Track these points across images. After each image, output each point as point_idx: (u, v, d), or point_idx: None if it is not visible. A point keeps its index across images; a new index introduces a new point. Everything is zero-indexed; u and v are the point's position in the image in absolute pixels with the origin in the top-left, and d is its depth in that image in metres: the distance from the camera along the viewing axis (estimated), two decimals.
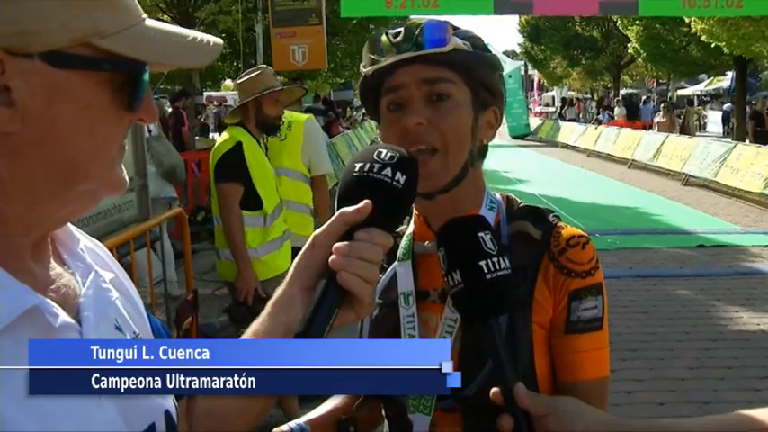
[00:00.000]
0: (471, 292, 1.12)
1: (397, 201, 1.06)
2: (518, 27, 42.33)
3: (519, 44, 47.26)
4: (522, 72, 39.12)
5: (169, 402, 0.96)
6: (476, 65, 1.27)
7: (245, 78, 4.24)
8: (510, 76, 33.28)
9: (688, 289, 7.40)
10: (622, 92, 37.07)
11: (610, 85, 41.02)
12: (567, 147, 25.91)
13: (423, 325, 1.29)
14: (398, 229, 1.41)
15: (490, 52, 1.31)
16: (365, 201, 1.01)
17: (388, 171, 1.05)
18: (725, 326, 6.39)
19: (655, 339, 5.94)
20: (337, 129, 19.76)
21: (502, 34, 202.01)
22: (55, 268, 0.87)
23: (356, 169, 1.06)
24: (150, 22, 0.84)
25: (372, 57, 1.28)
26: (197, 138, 14.81)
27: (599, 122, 28.12)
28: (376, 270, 1.00)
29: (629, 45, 29.22)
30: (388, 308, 1.33)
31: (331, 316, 0.98)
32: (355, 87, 36.91)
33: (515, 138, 31.96)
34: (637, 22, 25.09)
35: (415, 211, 1.38)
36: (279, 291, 1.05)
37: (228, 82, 35.58)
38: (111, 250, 3.47)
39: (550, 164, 21.32)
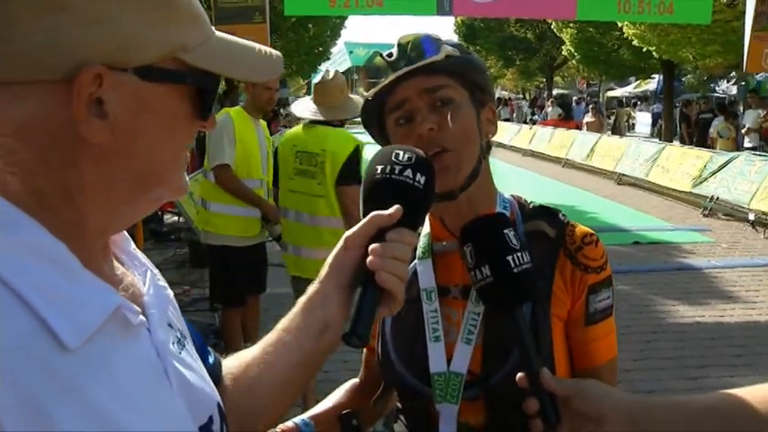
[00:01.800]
0: (500, 284, 1.20)
1: (420, 201, 1.12)
2: (454, 27, 42.76)
3: None
4: None
5: (218, 396, 1.00)
6: (468, 68, 1.35)
7: None
8: None
9: (627, 284, 7.66)
10: (555, 92, 37.90)
11: (542, 86, 41.92)
12: (501, 146, 26.33)
13: (445, 320, 1.36)
14: None
15: (474, 55, 1.40)
16: (396, 206, 1.08)
17: (409, 172, 1.11)
18: (663, 319, 6.69)
19: None
20: (276, 127, 19.62)
21: (438, 33, 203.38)
22: (119, 268, 0.91)
23: (378, 171, 1.12)
24: (219, 35, 0.88)
25: (370, 81, 1.35)
26: None
27: (533, 122, 28.72)
28: (407, 268, 1.07)
29: (563, 47, 29.94)
30: (408, 304, 1.38)
31: (374, 314, 1.05)
32: (290, 85, 36.30)
33: None
34: (571, 25, 25.76)
35: (429, 213, 1.44)
36: (312, 288, 1.11)
37: None
38: None
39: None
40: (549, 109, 29.15)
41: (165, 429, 0.82)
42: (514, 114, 36.06)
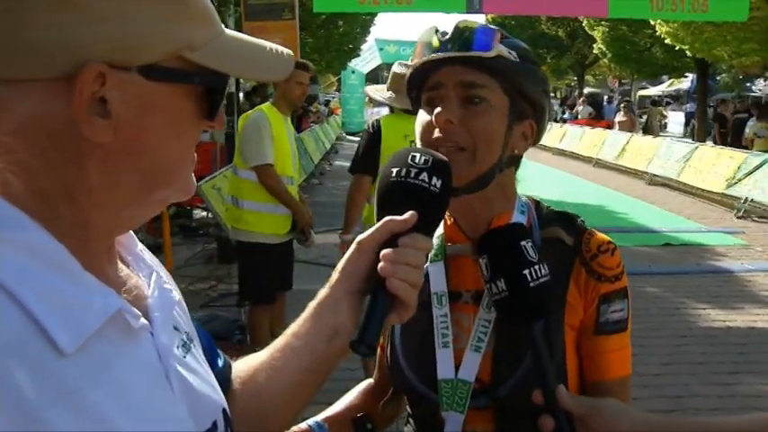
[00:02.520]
0: (517, 299, 1.16)
1: (435, 205, 1.09)
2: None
3: None
4: None
5: (224, 400, 0.98)
6: (516, 74, 1.28)
7: None
8: None
9: (657, 287, 7.56)
10: (586, 91, 37.55)
11: (573, 84, 41.53)
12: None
13: (456, 325, 1.32)
14: None
15: (537, 65, 1.33)
16: (411, 212, 1.04)
17: (424, 176, 1.08)
18: (693, 323, 6.56)
19: None
20: (307, 123, 19.68)
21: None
22: (123, 270, 0.89)
23: (393, 174, 1.09)
24: (229, 33, 0.85)
25: (422, 51, 1.30)
26: None
27: (564, 121, 28.47)
28: (421, 275, 1.04)
29: (594, 45, 29.64)
30: (420, 308, 1.35)
31: (383, 322, 1.01)
32: (320, 82, 36.44)
33: None
34: (603, 23, 25.49)
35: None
36: (322, 293, 1.08)
37: None
38: None
39: None
40: (580, 108, 28.88)
41: None
42: None
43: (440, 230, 1.40)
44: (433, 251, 1.38)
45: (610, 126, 23.42)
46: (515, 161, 1.37)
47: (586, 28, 28.49)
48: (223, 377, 1.12)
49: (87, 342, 0.73)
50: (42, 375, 0.69)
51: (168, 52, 0.77)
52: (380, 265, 1.01)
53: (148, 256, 0.97)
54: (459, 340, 1.31)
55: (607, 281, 1.31)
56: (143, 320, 0.82)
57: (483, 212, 1.32)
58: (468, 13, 10.58)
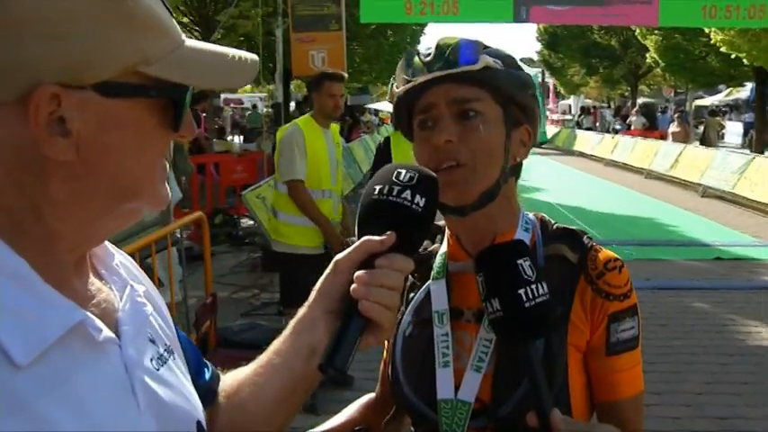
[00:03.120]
0: (510, 319, 1.13)
1: (417, 225, 1.06)
2: (536, 35, 42.28)
3: (537, 51, 47.22)
4: (540, 79, 38.99)
5: (200, 413, 0.99)
6: (506, 83, 1.27)
7: None
8: None
9: (704, 302, 7.36)
10: (639, 101, 36.88)
11: (627, 94, 40.84)
12: (583, 155, 25.87)
13: (457, 344, 1.30)
14: (431, 248, 1.42)
15: (522, 70, 1.31)
16: (389, 232, 1.02)
17: (407, 194, 1.05)
18: (741, 340, 6.36)
19: (671, 352, 5.91)
20: (358, 133, 19.79)
21: (520, 41, 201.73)
22: (94, 283, 0.90)
23: (375, 192, 1.07)
24: (190, 43, 0.85)
25: (405, 77, 1.30)
26: (214, 140, 14.88)
27: (616, 131, 28.01)
28: (397, 297, 1.02)
29: (647, 54, 29.11)
30: (421, 326, 1.34)
31: (354, 345, 0.99)
32: (372, 92, 36.72)
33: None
34: (656, 31, 25.00)
35: (447, 230, 1.39)
36: (301, 312, 1.08)
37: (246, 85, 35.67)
38: (133, 254, 3.49)
39: (567, 172, 21.29)
40: (634, 118, 28.39)
41: None
42: (597, 123, 35.30)
43: (443, 248, 1.39)
44: (435, 268, 1.36)
45: (663, 137, 22.96)
46: (517, 170, 1.35)
47: (639, 37, 27.99)
48: (209, 389, 1.13)
49: (45, 354, 0.74)
50: None
51: (121, 68, 0.78)
52: (353, 287, 0.99)
53: (127, 270, 0.98)
54: (460, 359, 1.29)
55: (615, 299, 1.27)
56: (108, 333, 0.83)
57: (487, 229, 1.30)
58: (515, 22, 10.53)
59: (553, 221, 1.39)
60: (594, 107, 42.15)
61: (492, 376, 1.25)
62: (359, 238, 1.05)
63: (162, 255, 5.11)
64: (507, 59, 1.29)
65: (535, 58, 49.42)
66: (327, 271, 1.06)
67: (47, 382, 0.74)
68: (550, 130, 35.31)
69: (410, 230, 1.05)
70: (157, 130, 0.84)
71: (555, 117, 47.96)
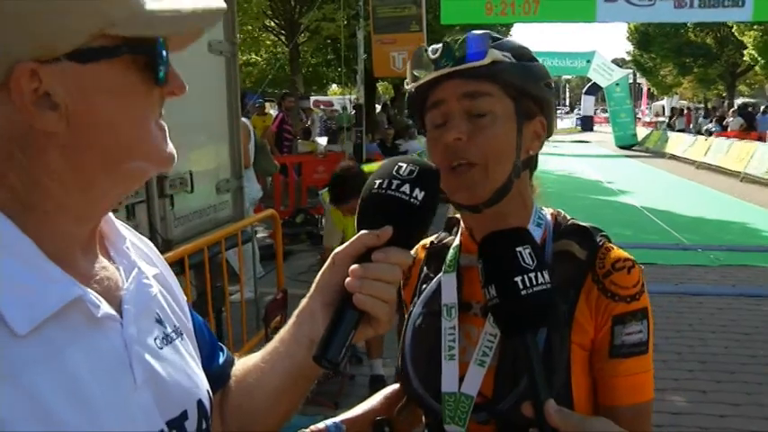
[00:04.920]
0: (506, 306, 1.12)
1: (415, 218, 1.06)
2: (627, 34, 41.12)
3: (627, 52, 45.93)
4: (630, 80, 37.94)
5: (203, 393, 1.02)
6: (515, 75, 1.25)
7: None
8: (617, 85, 32.38)
9: None
10: (738, 101, 35.34)
11: (724, 94, 39.23)
12: (674, 158, 24.99)
13: (465, 337, 1.30)
14: (445, 240, 1.42)
15: (536, 61, 1.30)
16: (386, 227, 1.03)
17: (406, 188, 1.05)
18: None
19: (753, 362, 5.65)
20: None
21: (610, 42, 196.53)
22: (101, 263, 0.94)
23: (375, 186, 1.07)
24: (152, 2, 0.86)
25: (415, 73, 1.30)
26: (299, 141, 15.11)
27: (710, 133, 26.93)
28: (393, 289, 1.02)
29: (745, 52, 27.86)
30: (431, 318, 1.34)
31: (347, 337, 1.00)
32: None
33: (621, 147, 31.17)
34: (754, 27, 23.90)
35: (462, 222, 1.39)
36: (303, 303, 1.10)
37: (335, 87, 36.19)
38: (204, 248, 3.61)
39: (656, 175, 20.60)
40: (731, 119, 27.21)
41: (116, 418, 0.84)
42: (691, 125, 34.06)
43: (456, 241, 1.39)
44: (447, 261, 1.37)
45: (761, 138, 21.93)
46: (530, 163, 1.33)
47: (736, 33, 26.81)
48: (222, 372, 1.18)
49: (43, 326, 0.79)
50: None
51: (89, 34, 0.81)
52: (347, 280, 1.01)
53: (139, 252, 1.03)
54: (466, 352, 1.28)
55: (621, 300, 1.23)
56: (108, 310, 0.87)
57: (498, 224, 1.27)
58: (597, 22, 10.31)
59: (569, 217, 1.36)
60: (689, 108, 40.61)
61: (495, 371, 1.24)
62: (358, 232, 1.07)
63: (242, 249, 5.25)
64: (518, 51, 1.27)
65: (627, 58, 48.14)
66: (326, 265, 1.08)
67: (42, 353, 0.78)
68: (641, 132, 34.34)
69: (408, 224, 1.05)
70: (140, 87, 0.86)
71: (647, 119, 46.58)
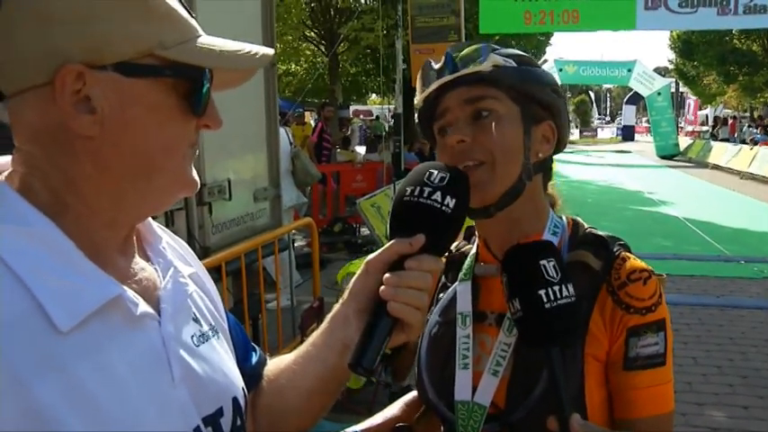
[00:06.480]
0: (530, 320, 1.12)
1: (446, 226, 1.08)
2: (669, 42, 40.51)
3: (670, 60, 45.23)
4: (672, 89, 37.35)
5: (238, 390, 1.05)
6: (518, 79, 1.26)
7: None
8: (659, 94, 31.92)
9: None
10: None
11: None
12: (717, 168, 24.53)
13: (479, 346, 1.30)
14: (463, 249, 1.43)
15: (539, 68, 1.31)
16: (418, 235, 1.05)
17: (437, 196, 1.06)
18: None
19: None
20: None
21: (652, 50, 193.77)
22: (139, 263, 0.98)
23: (407, 193, 1.09)
24: (207, 37, 0.93)
25: (423, 88, 1.32)
26: (338, 150, 15.19)
27: (755, 143, 26.36)
28: (425, 297, 1.04)
29: None
30: (446, 326, 1.35)
31: (382, 345, 1.02)
32: None
33: (662, 157, 30.72)
34: None
35: (477, 232, 1.39)
36: (336, 308, 1.13)
37: (374, 96, 36.32)
38: (241, 255, 3.68)
39: (698, 185, 20.24)
40: None
41: (155, 413, 0.88)
42: (735, 134, 33.39)
43: (473, 250, 1.39)
44: (463, 270, 1.37)
45: None
46: (543, 167, 1.33)
47: None
48: (255, 372, 1.21)
49: (85, 323, 0.83)
50: (37, 351, 0.79)
51: (139, 50, 0.86)
52: (382, 288, 1.03)
53: (174, 252, 1.06)
54: (480, 362, 1.29)
55: (637, 312, 1.21)
56: (146, 309, 0.91)
57: (512, 232, 1.27)
58: (638, 30, 10.20)
59: (587, 226, 1.35)
60: (734, 117, 39.78)
61: (508, 381, 1.24)
62: (390, 239, 1.08)
63: (280, 257, 5.31)
64: (520, 58, 1.29)
65: (669, 67, 47.41)
66: (359, 271, 1.10)
67: (85, 349, 0.82)
68: (683, 142, 33.77)
69: (440, 232, 1.07)
70: (176, 112, 0.91)
71: (690, 128, 45.78)
